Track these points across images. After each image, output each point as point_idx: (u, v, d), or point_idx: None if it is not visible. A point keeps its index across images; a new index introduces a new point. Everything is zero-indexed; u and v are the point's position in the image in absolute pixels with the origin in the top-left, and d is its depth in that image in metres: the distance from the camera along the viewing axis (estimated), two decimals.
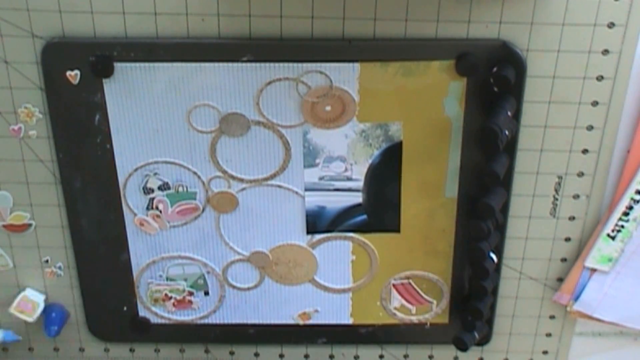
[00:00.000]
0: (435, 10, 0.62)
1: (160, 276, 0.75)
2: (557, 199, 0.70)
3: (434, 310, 0.77)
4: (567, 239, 0.73)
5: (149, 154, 0.68)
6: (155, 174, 0.69)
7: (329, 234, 0.72)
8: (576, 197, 0.70)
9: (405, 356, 0.81)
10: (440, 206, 0.71)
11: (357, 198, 0.70)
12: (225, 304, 0.76)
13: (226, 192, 0.70)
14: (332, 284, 0.75)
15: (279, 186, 0.70)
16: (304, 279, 0.75)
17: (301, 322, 0.77)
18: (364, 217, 0.71)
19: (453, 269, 0.74)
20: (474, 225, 0.68)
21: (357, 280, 0.75)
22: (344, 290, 0.75)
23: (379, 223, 0.72)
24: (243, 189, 0.70)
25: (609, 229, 0.70)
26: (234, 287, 0.75)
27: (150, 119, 0.67)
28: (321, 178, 0.69)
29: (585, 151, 0.68)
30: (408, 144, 0.68)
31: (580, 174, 0.69)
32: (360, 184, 0.70)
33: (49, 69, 0.64)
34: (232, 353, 0.80)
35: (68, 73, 0.64)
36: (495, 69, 0.63)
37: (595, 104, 0.66)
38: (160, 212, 0.71)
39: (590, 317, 0.75)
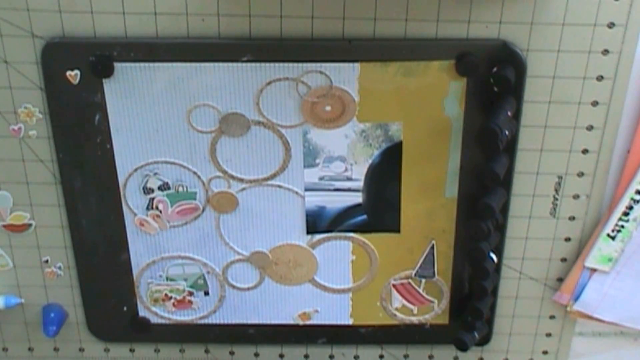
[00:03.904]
0: (435, 10, 0.62)
1: (160, 276, 0.75)
2: (557, 199, 0.70)
3: (435, 311, 0.76)
4: (567, 239, 0.73)
5: (149, 154, 0.68)
6: (155, 174, 0.69)
7: (329, 234, 0.72)
8: (576, 197, 0.70)
9: (405, 356, 0.81)
10: (440, 206, 0.70)
11: (357, 198, 0.70)
12: (225, 304, 0.76)
13: (226, 192, 0.70)
14: (332, 284, 0.75)
15: (279, 186, 0.70)
16: (304, 279, 0.75)
17: (301, 322, 0.77)
18: (364, 217, 0.71)
19: (453, 269, 0.74)
20: (474, 225, 0.68)
21: (357, 281, 0.75)
22: (343, 291, 0.75)
23: (379, 223, 0.72)
24: (243, 189, 0.70)
25: (609, 229, 0.70)
26: (234, 287, 0.75)
27: (150, 119, 0.67)
28: (321, 178, 0.69)
29: (585, 151, 0.68)
30: (408, 144, 0.68)
31: (580, 174, 0.69)
32: (360, 184, 0.70)
33: (49, 69, 0.64)
34: (232, 353, 0.80)
35: (68, 73, 0.64)
36: (495, 69, 0.63)
37: (595, 104, 0.66)
38: (160, 212, 0.71)
39: (590, 317, 0.75)
